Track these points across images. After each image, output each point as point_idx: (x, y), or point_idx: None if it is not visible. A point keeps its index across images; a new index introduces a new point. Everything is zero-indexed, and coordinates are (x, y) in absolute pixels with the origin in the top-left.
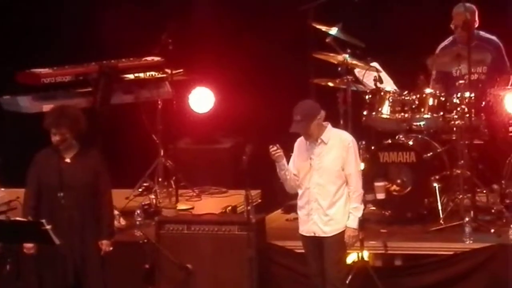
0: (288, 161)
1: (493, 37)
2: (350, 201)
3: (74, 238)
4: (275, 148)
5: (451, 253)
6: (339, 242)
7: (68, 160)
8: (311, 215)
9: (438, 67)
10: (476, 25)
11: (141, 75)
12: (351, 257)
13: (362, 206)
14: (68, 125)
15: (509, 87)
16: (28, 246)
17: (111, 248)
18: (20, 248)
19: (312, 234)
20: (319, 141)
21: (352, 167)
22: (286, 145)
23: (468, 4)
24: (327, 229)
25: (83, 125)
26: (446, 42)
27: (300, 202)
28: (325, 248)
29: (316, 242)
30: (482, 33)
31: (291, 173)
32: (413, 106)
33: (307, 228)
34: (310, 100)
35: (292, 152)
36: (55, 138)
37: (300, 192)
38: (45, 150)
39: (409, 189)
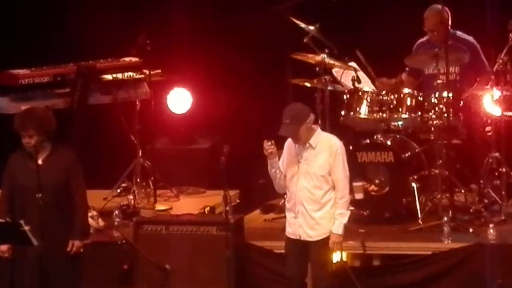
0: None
1: (470, 38)
2: (336, 206)
3: (47, 240)
4: (269, 143)
5: (429, 252)
6: (324, 246)
7: (40, 162)
8: (297, 218)
9: (413, 63)
10: (449, 26)
11: (119, 75)
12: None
13: (348, 212)
14: (36, 127)
15: (488, 86)
16: (3, 249)
17: (81, 250)
18: None
19: (298, 237)
20: (307, 145)
21: (340, 173)
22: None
23: (439, 6)
24: (312, 233)
25: (52, 125)
26: (424, 39)
27: (288, 205)
28: (310, 252)
29: (300, 245)
30: (458, 33)
31: (281, 173)
32: (391, 106)
33: (293, 230)
34: (300, 104)
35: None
36: (24, 141)
37: (287, 194)
38: (18, 152)
39: (387, 189)
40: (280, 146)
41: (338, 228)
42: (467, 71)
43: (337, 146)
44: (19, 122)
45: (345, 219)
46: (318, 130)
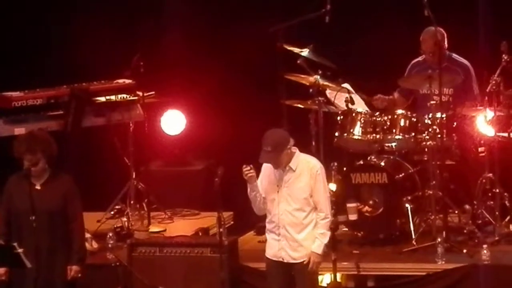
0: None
1: (465, 61)
2: (317, 226)
3: (41, 263)
4: (248, 168)
5: (423, 273)
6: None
7: (38, 187)
8: (279, 241)
9: (407, 84)
10: (445, 48)
11: (113, 97)
12: (325, 279)
13: (329, 233)
14: (43, 149)
15: (481, 108)
16: (0, 272)
17: (79, 275)
18: None
19: (280, 260)
20: (287, 168)
21: (321, 194)
22: (259, 167)
23: (437, 28)
24: (296, 255)
25: (55, 148)
26: (418, 59)
27: (268, 226)
28: (296, 275)
29: (283, 268)
30: (454, 56)
31: (261, 195)
32: (385, 127)
33: (274, 252)
34: (280, 130)
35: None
36: (30, 164)
37: (269, 216)
38: (16, 176)
39: (381, 210)
40: (258, 168)
41: (318, 248)
42: (459, 93)
43: (317, 168)
44: (26, 145)
45: (326, 239)
46: (297, 152)
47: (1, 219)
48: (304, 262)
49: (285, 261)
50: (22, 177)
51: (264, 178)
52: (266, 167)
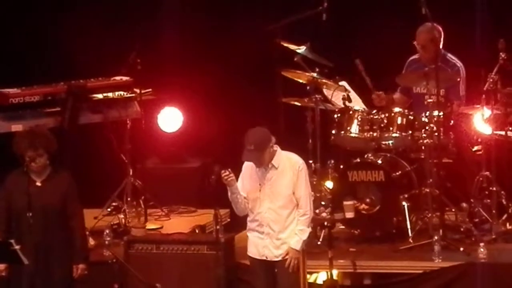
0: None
1: (458, 62)
2: (297, 222)
3: (39, 260)
4: (227, 172)
5: (420, 271)
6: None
7: (38, 183)
8: (262, 239)
9: (404, 82)
10: (441, 46)
11: (110, 94)
12: (321, 277)
13: (308, 230)
14: (45, 145)
15: (477, 106)
16: (0, 268)
17: (85, 272)
18: None
19: (264, 258)
20: (270, 166)
21: (303, 190)
22: (239, 168)
23: (434, 24)
24: (279, 253)
25: (55, 144)
26: (415, 56)
27: (250, 225)
28: (278, 272)
29: (266, 266)
30: (449, 55)
31: (242, 197)
32: (382, 125)
33: (257, 250)
34: (262, 128)
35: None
36: (31, 160)
37: (251, 215)
38: (15, 172)
39: (378, 207)
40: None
41: (297, 244)
42: (448, 93)
43: (299, 164)
44: (28, 141)
45: (305, 236)
46: (278, 150)
47: (1, 217)
48: (282, 258)
49: (268, 259)
50: (22, 173)
51: (245, 178)
52: (247, 167)
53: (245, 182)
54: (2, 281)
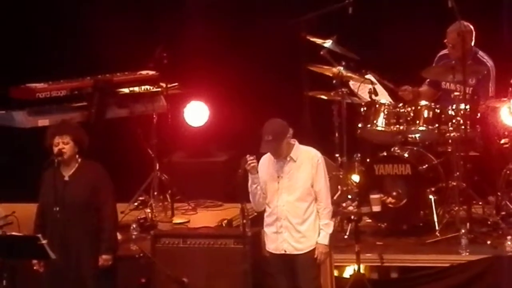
0: None
1: (489, 62)
2: (320, 217)
3: (71, 254)
4: (252, 158)
5: (447, 265)
6: (313, 258)
7: (67, 178)
8: (281, 233)
9: (431, 76)
10: (472, 44)
11: (136, 89)
12: (348, 271)
13: (332, 222)
14: (72, 134)
15: (504, 99)
16: (34, 262)
17: (109, 263)
18: (17, 263)
19: (283, 252)
20: (288, 159)
21: (322, 184)
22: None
23: (465, 23)
24: (299, 247)
25: (86, 138)
26: (445, 51)
27: (268, 220)
28: (298, 266)
29: (286, 260)
30: (480, 54)
31: (261, 189)
32: (408, 118)
33: (276, 245)
34: (279, 119)
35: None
36: (57, 148)
37: (268, 209)
38: (51, 169)
39: (404, 201)
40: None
41: (324, 238)
42: (477, 91)
43: (318, 157)
44: (55, 128)
45: (330, 229)
46: (296, 143)
47: (37, 211)
48: (314, 256)
49: (287, 252)
50: (53, 167)
51: (262, 171)
52: (264, 160)
53: (262, 176)
54: (35, 276)
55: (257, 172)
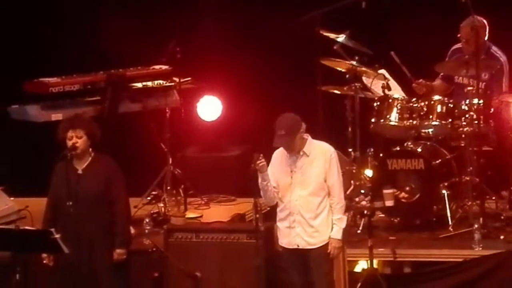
0: None
1: (502, 57)
2: (333, 212)
3: (83, 249)
4: (261, 157)
5: (460, 260)
6: (326, 253)
7: (80, 171)
8: (293, 228)
9: (444, 70)
10: (486, 38)
11: (149, 83)
12: (361, 265)
13: (345, 217)
14: (85, 127)
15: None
16: (43, 256)
17: (124, 257)
18: (29, 257)
19: (295, 247)
20: (301, 153)
21: (335, 178)
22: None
23: (478, 18)
24: (312, 241)
25: (98, 131)
26: (459, 45)
27: (281, 214)
28: (311, 260)
29: (299, 255)
30: (493, 49)
31: (272, 185)
32: (421, 113)
33: (288, 240)
34: (292, 114)
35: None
36: (71, 142)
37: (281, 204)
38: (63, 162)
39: (417, 196)
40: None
41: (337, 233)
42: (491, 86)
43: (331, 152)
44: (68, 122)
45: (343, 224)
46: (309, 138)
47: (48, 206)
48: (328, 250)
49: (300, 247)
50: (67, 163)
51: (275, 166)
52: (277, 155)
53: (275, 170)
54: (48, 270)
55: (267, 169)
